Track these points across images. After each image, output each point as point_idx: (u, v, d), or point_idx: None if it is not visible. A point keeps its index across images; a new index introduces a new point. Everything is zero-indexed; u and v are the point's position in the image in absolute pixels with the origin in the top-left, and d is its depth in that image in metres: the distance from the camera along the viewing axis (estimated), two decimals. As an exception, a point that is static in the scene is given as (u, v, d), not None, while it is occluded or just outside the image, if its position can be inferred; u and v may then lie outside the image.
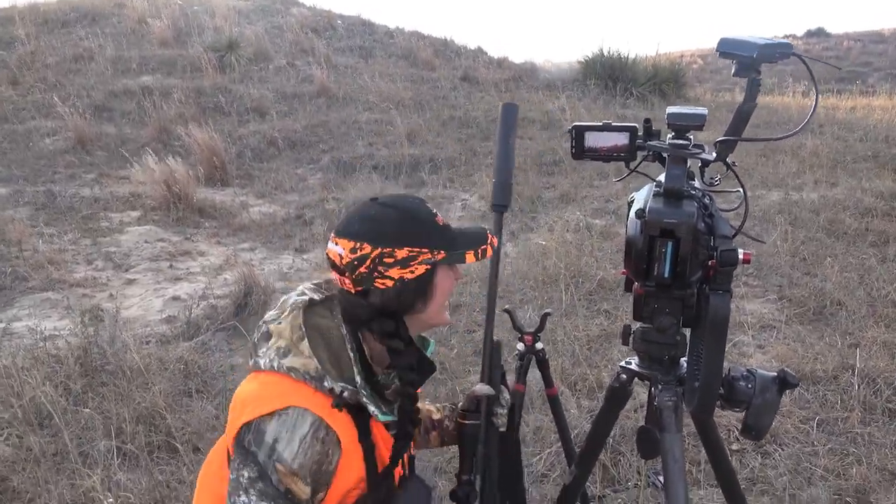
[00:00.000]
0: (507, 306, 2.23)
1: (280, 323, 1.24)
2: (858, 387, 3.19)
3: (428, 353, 1.38)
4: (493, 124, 9.27)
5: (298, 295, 1.30)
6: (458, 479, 1.47)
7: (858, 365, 3.33)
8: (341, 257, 1.21)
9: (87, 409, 3.08)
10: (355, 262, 1.20)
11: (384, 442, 1.28)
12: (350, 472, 1.21)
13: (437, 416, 1.60)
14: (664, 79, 11.10)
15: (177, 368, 3.53)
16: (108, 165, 8.20)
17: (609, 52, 11.41)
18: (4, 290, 4.87)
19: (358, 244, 1.20)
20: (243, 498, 1.15)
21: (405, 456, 1.38)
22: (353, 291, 1.24)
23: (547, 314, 2.12)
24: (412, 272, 1.22)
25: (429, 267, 1.24)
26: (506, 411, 1.50)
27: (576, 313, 4.10)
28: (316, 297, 1.31)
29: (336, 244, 1.22)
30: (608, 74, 10.98)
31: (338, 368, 1.21)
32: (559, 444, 2.72)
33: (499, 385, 1.49)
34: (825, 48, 22.78)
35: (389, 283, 1.21)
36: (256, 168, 8.27)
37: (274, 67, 11.61)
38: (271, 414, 1.15)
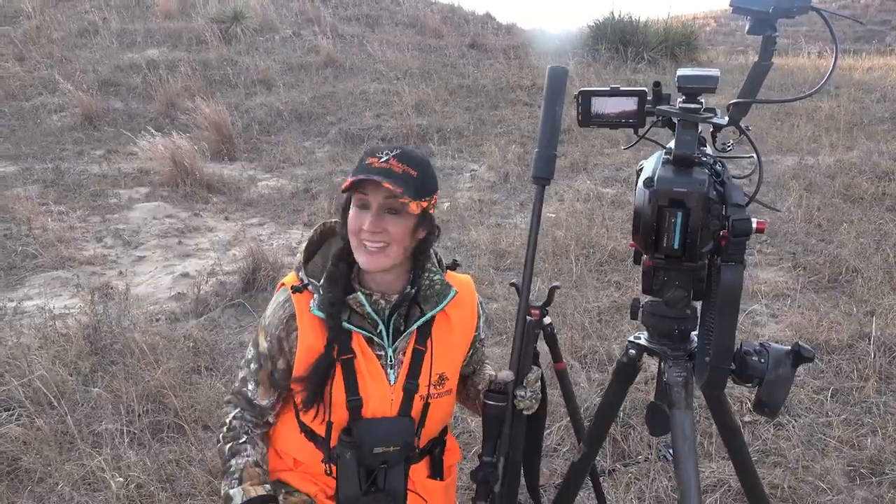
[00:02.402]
0: (514, 280, 2.19)
1: None
2: (874, 356, 3.13)
3: (445, 301, 1.55)
4: (502, 93, 9.15)
5: None
6: (480, 459, 1.45)
7: (874, 333, 3.27)
8: None
9: (97, 389, 3.08)
10: None
11: (359, 344, 1.51)
12: (307, 347, 1.50)
13: (481, 386, 1.63)
14: (676, 42, 10.86)
15: (185, 346, 3.53)
16: (116, 141, 8.16)
17: (619, 16, 11.18)
18: (15, 269, 4.88)
19: None
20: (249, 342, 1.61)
21: (419, 401, 1.55)
22: None
23: (555, 287, 2.06)
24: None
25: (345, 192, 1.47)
26: (527, 393, 1.47)
27: (586, 285, 4.05)
28: (333, 221, 1.61)
29: None
30: (619, 38, 10.75)
31: (322, 270, 1.53)
32: (568, 418, 2.69)
33: (528, 368, 1.49)
34: (842, 6, 22.15)
35: None
36: (264, 141, 8.21)
37: (280, 38, 11.47)
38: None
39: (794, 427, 2.76)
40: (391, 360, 1.52)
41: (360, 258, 1.45)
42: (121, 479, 2.45)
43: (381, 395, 1.51)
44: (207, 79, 9.79)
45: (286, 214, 6.04)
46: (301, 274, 1.52)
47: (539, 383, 1.51)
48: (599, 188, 5.82)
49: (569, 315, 3.68)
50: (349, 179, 1.41)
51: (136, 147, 7.13)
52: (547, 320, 2.04)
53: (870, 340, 3.24)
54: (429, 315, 1.53)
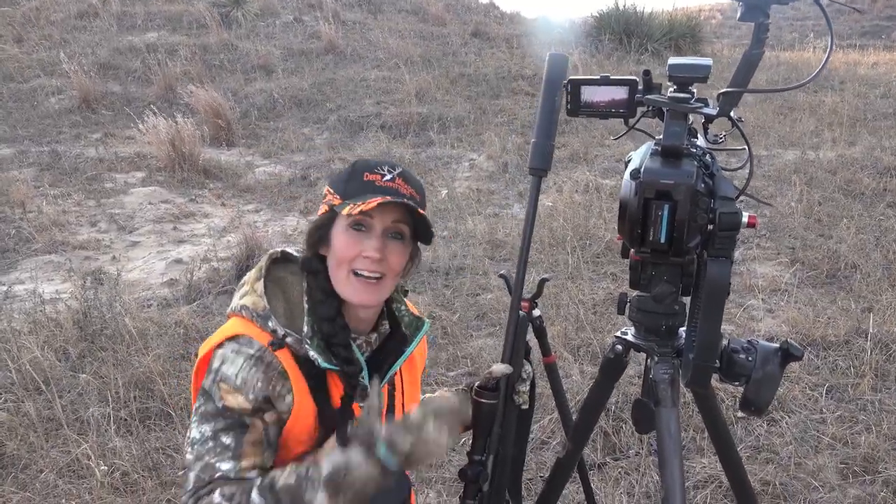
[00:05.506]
0: (502, 272, 2.15)
1: (252, 271, 1.29)
2: (871, 353, 3.10)
3: (419, 335, 1.37)
4: (503, 82, 9.07)
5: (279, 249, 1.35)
6: (469, 457, 1.42)
7: (872, 330, 3.24)
8: None
9: (84, 375, 3.05)
10: None
11: (338, 390, 1.25)
12: (302, 416, 1.20)
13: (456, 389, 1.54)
14: (680, 34, 10.78)
15: (176, 332, 3.50)
16: (114, 125, 8.13)
17: (624, 7, 11.09)
18: (8, 253, 4.85)
19: None
20: (190, 432, 1.18)
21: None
22: None
23: (544, 280, 2.03)
24: (321, 211, 1.26)
25: (327, 209, 1.24)
26: (527, 388, 1.43)
27: (581, 276, 4.01)
28: (294, 252, 1.31)
29: None
30: (623, 29, 10.67)
31: (289, 317, 1.22)
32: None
33: (521, 361, 1.42)
34: (849, 0, 22.03)
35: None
36: (262, 127, 8.16)
37: (281, 23, 11.39)
38: (221, 343, 1.18)
39: (787, 423, 2.73)
40: None
41: (350, 291, 1.22)
42: (105, 466, 2.43)
43: None
44: (206, 63, 9.73)
45: (283, 201, 6.00)
46: (273, 324, 1.18)
47: (531, 378, 1.48)
48: (599, 179, 5.78)
49: (563, 306, 3.65)
50: (370, 201, 1.16)
51: (134, 130, 7.08)
52: (536, 313, 2.01)
53: (867, 337, 3.21)
54: (408, 352, 1.34)
